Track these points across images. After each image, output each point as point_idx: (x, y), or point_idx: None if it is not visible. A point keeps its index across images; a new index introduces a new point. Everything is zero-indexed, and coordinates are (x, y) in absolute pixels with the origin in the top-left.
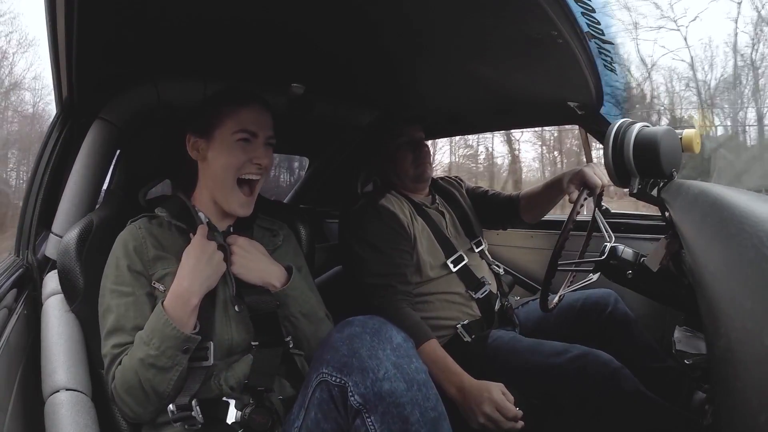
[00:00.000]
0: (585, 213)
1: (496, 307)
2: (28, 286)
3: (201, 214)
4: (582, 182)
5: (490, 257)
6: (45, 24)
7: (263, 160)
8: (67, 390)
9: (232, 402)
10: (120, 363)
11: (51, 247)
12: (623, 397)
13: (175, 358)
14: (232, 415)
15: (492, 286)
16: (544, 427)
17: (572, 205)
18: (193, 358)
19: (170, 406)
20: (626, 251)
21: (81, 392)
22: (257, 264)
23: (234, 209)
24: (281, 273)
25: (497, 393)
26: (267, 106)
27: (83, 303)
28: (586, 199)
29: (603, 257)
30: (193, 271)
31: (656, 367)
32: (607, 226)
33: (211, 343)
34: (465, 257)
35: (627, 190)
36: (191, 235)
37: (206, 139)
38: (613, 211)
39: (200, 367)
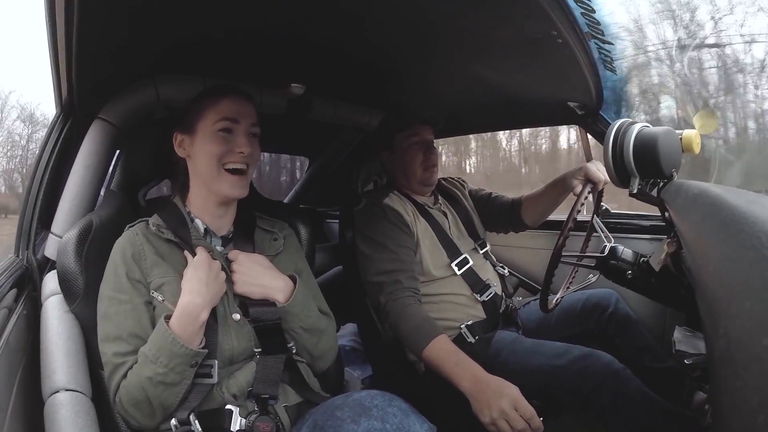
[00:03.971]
0: (585, 213)
1: (501, 308)
2: (28, 286)
3: (198, 221)
4: (585, 176)
5: (494, 258)
6: (45, 24)
7: (245, 148)
8: (66, 390)
9: (236, 409)
10: (124, 376)
11: (51, 248)
12: (625, 399)
13: (184, 373)
14: (236, 423)
15: (497, 287)
16: (546, 428)
17: (573, 205)
18: (197, 374)
19: (172, 420)
20: (626, 251)
21: (81, 393)
22: (260, 279)
23: (226, 192)
24: (285, 285)
25: (518, 391)
26: (249, 97)
27: (83, 303)
28: (589, 192)
29: (604, 254)
30: (204, 288)
31: (657, 367)
32: (605, 229)
33: (215, 362)
34: (469, 259)
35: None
36: (186, 253)
37: (190, 134)
38: (614, 210)
39: (203, 384)
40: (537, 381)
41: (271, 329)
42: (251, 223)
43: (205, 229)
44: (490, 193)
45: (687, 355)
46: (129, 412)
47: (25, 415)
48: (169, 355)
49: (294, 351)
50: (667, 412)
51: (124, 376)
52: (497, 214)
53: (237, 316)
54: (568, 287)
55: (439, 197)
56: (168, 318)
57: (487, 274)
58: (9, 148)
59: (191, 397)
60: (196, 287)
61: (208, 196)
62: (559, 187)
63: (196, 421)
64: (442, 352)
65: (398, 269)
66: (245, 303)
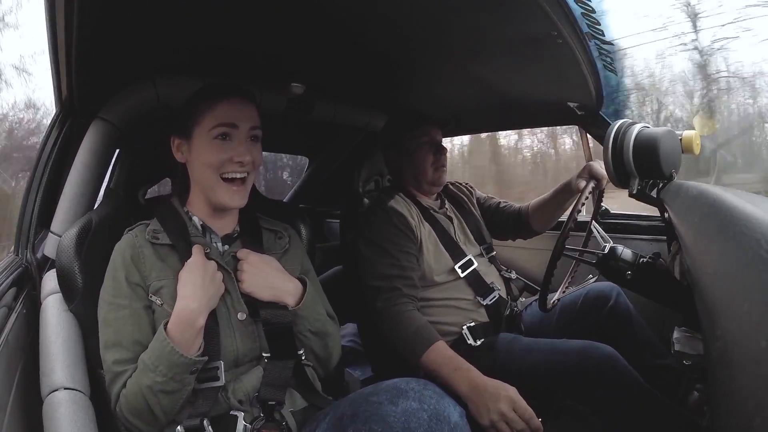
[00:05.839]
0: (585, 213)
1: (505, 312)
2: (27, 285)
3: (195, 218)
4: (589, 174)
5: (499, 263)
6: (45, 24)
7: (245, 157)
8: (65, 389)
9: (241, 415)
10: (124, 385)
11: (50, 247)
12: (623, 393)
13: (184, 380)
14: (240, 429)
15: (501, 291)
16: (545, 429)
17: (575, 201)
18: (203, 378)
19: (179, 427)
20: (626, 252)
21: (79, 391)
22: (270, 281)
23: (225, 202)
24: (295, 288)
25: (515, 392)
26: (250, 97)
27: (82, 302)
28: (594, 187)
29: (605, 252)
30: (200, 292)
31: (657, 363)
32: (603, 232)
33: (221, 363)
34: (474, 261)
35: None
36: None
37: (187, 139)
38: (614, 211)
39: (211, 388)
40: (535, 377)
41: (281, 332)
42: (256, 222)
43: (204, 227)
44: (499, 202)
45: (686, 356)
46: (130, 421)
47: (24, 413)
48: (168, 364)
49: (303, 357)
50: (667, 409)
51: (125, 385)
52: (505, 224)
53: (243, 316)
54: (566, 288)
55: (446, 201)
56: (166, 324)
57: (492, 277)
58: None
59: (200, 403)
60: (190, 292)
61: (208, 202)
62: (565, 192)
63: (210, 427)
64: (440, 357)
65: (398, 275)
66: (254, 303)
